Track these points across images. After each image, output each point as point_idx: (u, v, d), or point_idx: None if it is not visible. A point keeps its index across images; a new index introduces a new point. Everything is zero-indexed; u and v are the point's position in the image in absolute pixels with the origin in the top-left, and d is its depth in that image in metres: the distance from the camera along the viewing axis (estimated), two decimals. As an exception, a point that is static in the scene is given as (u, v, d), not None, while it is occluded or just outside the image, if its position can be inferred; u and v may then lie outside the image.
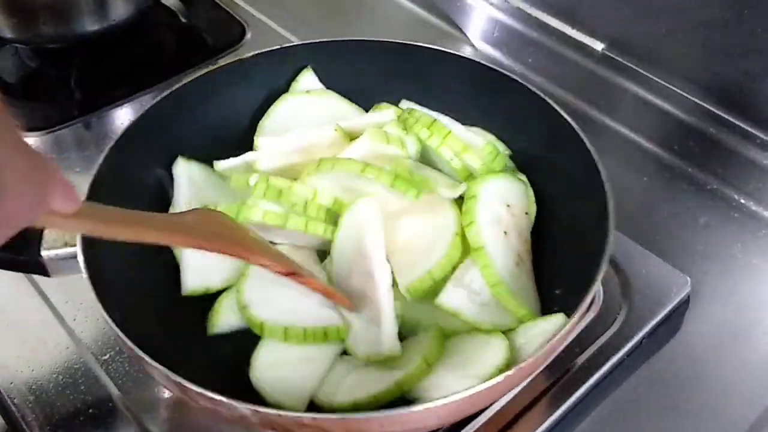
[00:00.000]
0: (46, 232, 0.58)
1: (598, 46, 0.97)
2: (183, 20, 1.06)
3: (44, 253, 0.58)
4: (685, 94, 0.90)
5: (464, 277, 0.61)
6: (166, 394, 0.62)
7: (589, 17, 0.97)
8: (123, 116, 0.90)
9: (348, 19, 0.86)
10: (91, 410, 0.61)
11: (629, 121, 0.89)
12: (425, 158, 0.72)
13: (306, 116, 0.74)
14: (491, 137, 0.72)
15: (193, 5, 1.08)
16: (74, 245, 0.57)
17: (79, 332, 0.67)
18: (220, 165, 0.70)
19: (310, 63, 0.76)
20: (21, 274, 0.70)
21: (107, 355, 0.65)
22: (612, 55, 0.96)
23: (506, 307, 0.59)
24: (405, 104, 0.76)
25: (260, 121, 0.75)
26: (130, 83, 0.93)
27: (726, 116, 0.87)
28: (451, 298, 0.60)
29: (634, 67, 0.94)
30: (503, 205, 0.64)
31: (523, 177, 0.69)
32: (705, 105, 0.88)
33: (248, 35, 1.02)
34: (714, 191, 0.81)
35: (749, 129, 0.85)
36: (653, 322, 0.66)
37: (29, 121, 0.89)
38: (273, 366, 0.58)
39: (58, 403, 0.62)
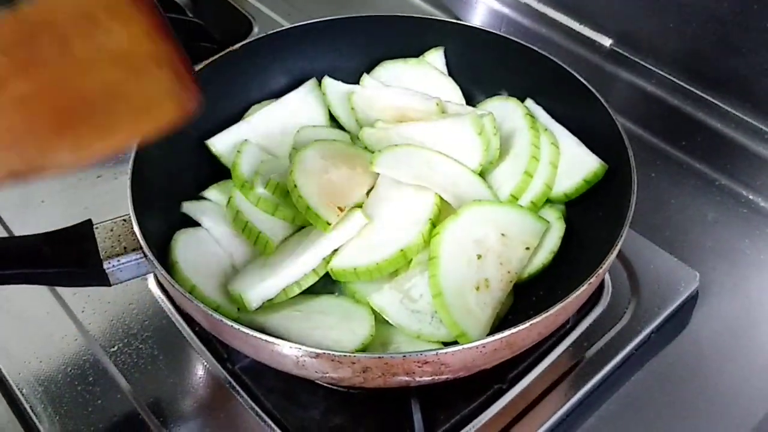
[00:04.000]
0: (100, 242, 0.57)
1: (606, 41, 0.97)
2: (189, 15, 1.06)
3: (106, 264, 0.57)
4: (693, 90, 0.89)
5: (405, 283, 0.61)
6: (174, 385, 0.63)
7: (597, 12, 0.97)
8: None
9: (353, 12, 0.86)
10: (99, 401, 0.62)
11: (637, 116, 0.89)
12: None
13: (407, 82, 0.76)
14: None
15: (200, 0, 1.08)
16: (134, 249, 0.57)
17: (87, 324, 0.67)
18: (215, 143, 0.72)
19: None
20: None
21: (116, 347, 0.65)
22: (620, 50, 0.96)
23: (442, 320, 0.58)
24: (529, 103, 0.74)
25: (362, 76, 0.77)
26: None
27: (734, 112, 0.87)
28: (382, 298, 0.61)
29: (641, 62, 0.94)
30: (496, 232, 0.62)
31: (553, 217, 0.67)
32: (713, 100, 0.88)
33: (255, 29, 1.02)
34: (722, 187, 0.81)
35: (758, 125, 0.85)
36: (662, 317, 0.66)
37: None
38: None
39: (67, 394, 0.62)
